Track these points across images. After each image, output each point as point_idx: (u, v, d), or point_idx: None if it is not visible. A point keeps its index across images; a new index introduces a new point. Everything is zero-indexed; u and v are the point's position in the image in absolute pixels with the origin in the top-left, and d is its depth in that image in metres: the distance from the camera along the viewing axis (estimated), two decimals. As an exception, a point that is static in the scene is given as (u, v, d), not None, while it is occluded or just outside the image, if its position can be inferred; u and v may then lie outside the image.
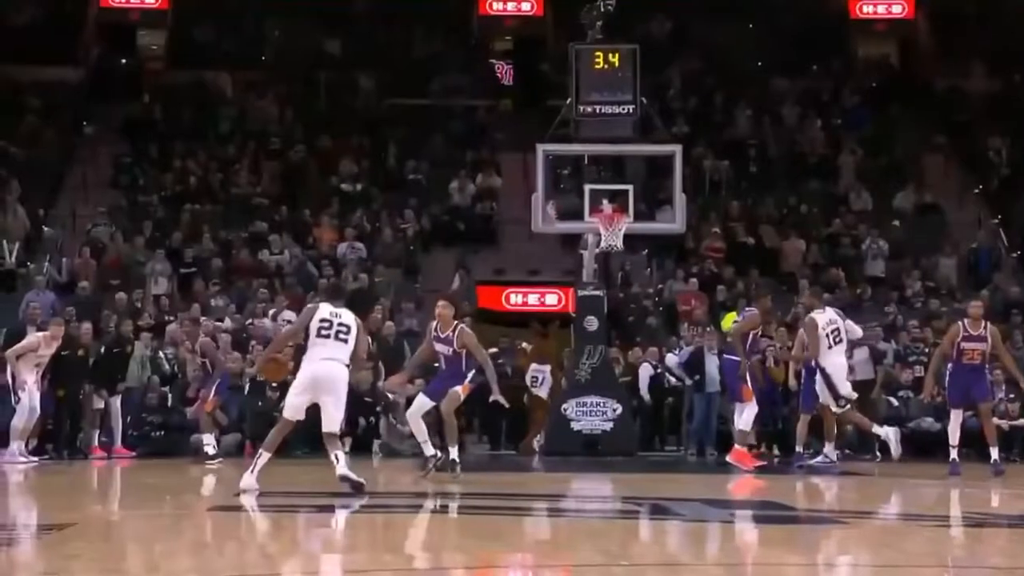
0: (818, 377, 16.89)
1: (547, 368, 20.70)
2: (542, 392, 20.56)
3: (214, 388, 18.32)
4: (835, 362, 16.95)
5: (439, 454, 15.25)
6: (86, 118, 30.58)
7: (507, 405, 16.98)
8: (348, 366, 12.76)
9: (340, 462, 12.55)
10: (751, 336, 17.42)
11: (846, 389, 16.93)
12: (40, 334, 18.13)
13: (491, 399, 15.56)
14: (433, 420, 15.81)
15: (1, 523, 11.34)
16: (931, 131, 30.67)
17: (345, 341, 12.72)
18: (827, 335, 16.89)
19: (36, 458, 17.92)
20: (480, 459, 19.91)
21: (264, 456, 12.82)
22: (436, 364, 15.84)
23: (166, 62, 33.48)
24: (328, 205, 26.98)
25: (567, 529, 11.34)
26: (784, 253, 25.97)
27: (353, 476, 12.57)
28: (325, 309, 12.90)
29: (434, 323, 15.37)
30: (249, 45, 33.30)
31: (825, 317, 17.00)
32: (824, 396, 16.90)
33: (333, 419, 12.65)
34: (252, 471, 12.72)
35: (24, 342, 18.08)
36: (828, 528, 11.11)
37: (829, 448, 17.21)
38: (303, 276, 24.15)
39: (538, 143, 20.85)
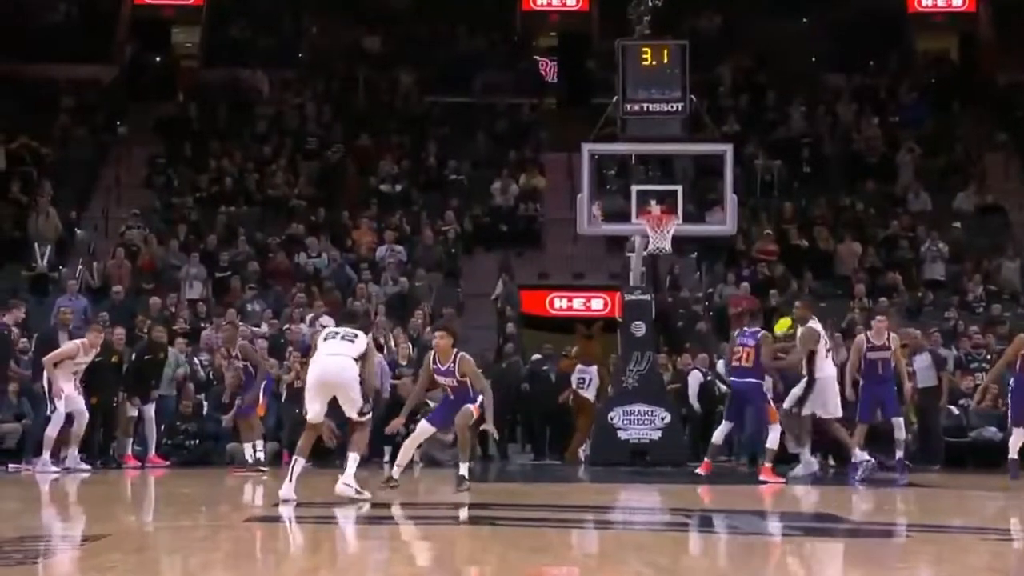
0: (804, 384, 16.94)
1: (593, 369, 20.70)
2: (589, 394, 20.57)
3: (261, 390, 18.30)
4: (829, 374, 17.00)
5: (395, 477, 15.14)
6: (119, 117, 30.80)
7: (496, 436, 17.14)
8: (357, 360, 13.05)
9: (347, 472, 13.10)
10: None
11: (834, 403, 17.00)
12: (78, 341, 18.10)
13: (481, 427, 15.56)
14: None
15: (35, 534, 11.41)
16: (993, 128, 30.50)
17: (352, 341, 13.15)
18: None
19: (87, 465, 18.01)
20: (524, 469, 19.90)
21: (299, 463, 13.02)
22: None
23: (201, 60, 33.70)
24: (367, 206, 27.06)
25: (614, 542, 11.31)
26: (839, 256, 25.85)
27: (353, 490, 13.08)
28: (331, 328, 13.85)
29: (432, 353, 15.04)
30: (286, 42, 33.47)
31: (818, 327, 17.02)
32: (814, 405, 16.95)
33: (350, 406, 13.11)
34: (290, 480, 12.88)
35: (62, 349, 18.03)
36: (886, 541, 11.04)
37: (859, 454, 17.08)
38: (341, 280, 24.24)
39: (583, 142, 20.84)
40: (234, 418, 18.45)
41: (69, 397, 17.65)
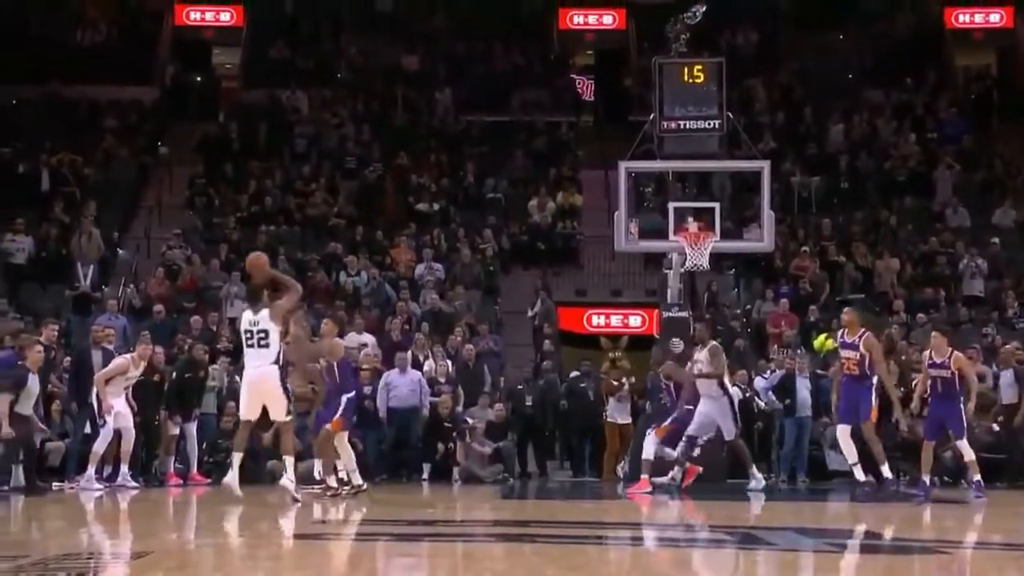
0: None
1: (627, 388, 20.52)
2: (618, 416, 20.37)
3: (340, 410, 18.26)
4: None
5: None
6: (161, 137, 30.97)
7: None
8: (275, 363, 14.47)
9: (287, 473, 14.56)
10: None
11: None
12: (128, 356, 18.11)
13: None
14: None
15: (76, 551, 11.47)
16: (1032, 144, 30.37)
17: (266, 347, 14.42)
18: None
19: (135, 483, 18.00)
20: (563, 486, 19.88)
21: (237, 456, 14.80)
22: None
23: (241, 80, 33.88)
24: (405, 225, 27.12)
25: (652, 559, 11.29)
26: (877, 272, 25.75)
27: (293, 487, 14.39)
28: (245, 318, 14.64)
29: None
30: (324, 62, 33.62)
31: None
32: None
33: (276, 411, 14.66)
34: (233, 470, 14.74)
35: (113, 365, 17.95)
36: (926, 558, 10.98)
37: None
38: (380, 298, 24.29)
39: (621, 160, 20.85)
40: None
41: (119, 414, 17.63)
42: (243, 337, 14.62)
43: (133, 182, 29.55)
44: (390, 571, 10.23)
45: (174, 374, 19.40)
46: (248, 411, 14.78)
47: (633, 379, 20.62)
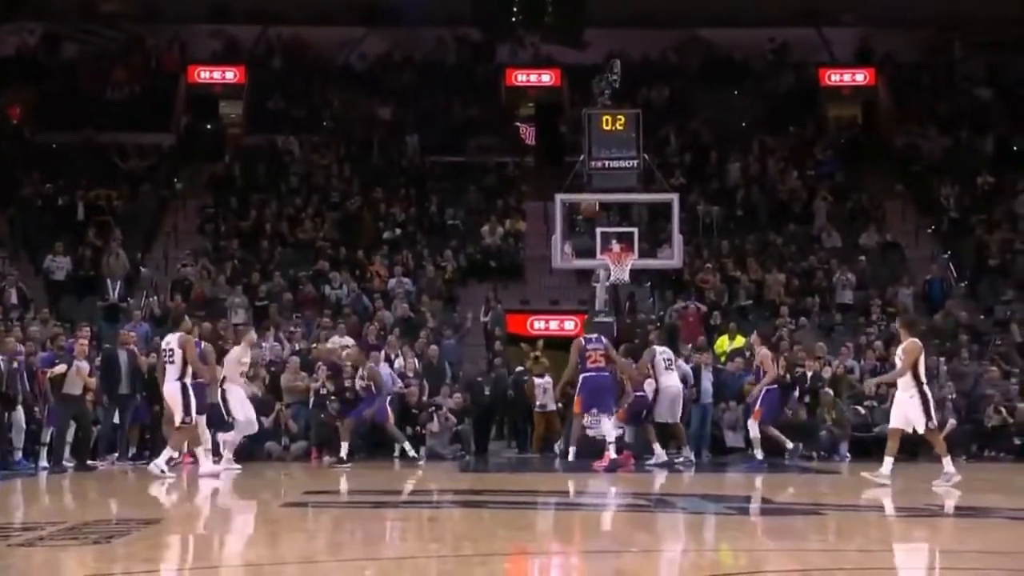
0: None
1: (548, 379, 20.33)
2: (548, 399, 20.15)
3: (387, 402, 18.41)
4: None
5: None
6: (177, 175, 30.74)
7: None
8: (179, 380, 14.84)
9: (162, 457, 14.89)
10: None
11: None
12: (237, 347, 16.84)
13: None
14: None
15: (107, 518, 11.35)
16: (891, 180, 30.59)
17: (173, 362, 14.88)
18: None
19: (237, 466, 16.72)
20: (510, 461, 19.85)
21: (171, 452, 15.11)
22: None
23: (244, 128, 33.66)
24: (380, 247, 26.99)
25: (585, 521, 11.28)
26: (767, 284, 25.84)
27: (159, 470, 14.66)
28: (164, 340, 15.18)
29: None
30: (314, 112, 33.46)
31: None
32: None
33: (176, 416, 14.99)
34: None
35: (230, 356, 16.56)
36: (806, 519, 11.02)
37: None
38: (359, 307, 24.14)
39: (557, 193, 20.83)
40: (372, 424, 18.40)
41: (241, 401, 16.48)
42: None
43: (154, 212, 29.26)
44: (368, 532, 10.17)
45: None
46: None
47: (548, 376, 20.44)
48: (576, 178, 20.92)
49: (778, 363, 17.94)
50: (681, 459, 18.01)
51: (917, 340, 13.61)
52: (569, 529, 10.48)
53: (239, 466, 16.60)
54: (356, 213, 28.48)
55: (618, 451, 17.03)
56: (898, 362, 13.67)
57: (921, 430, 13.51)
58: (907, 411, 13.51)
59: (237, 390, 16.44)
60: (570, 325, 25.24)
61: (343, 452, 17.87)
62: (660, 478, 16.02)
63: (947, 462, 13.37)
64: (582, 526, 10.80)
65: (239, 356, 16.56)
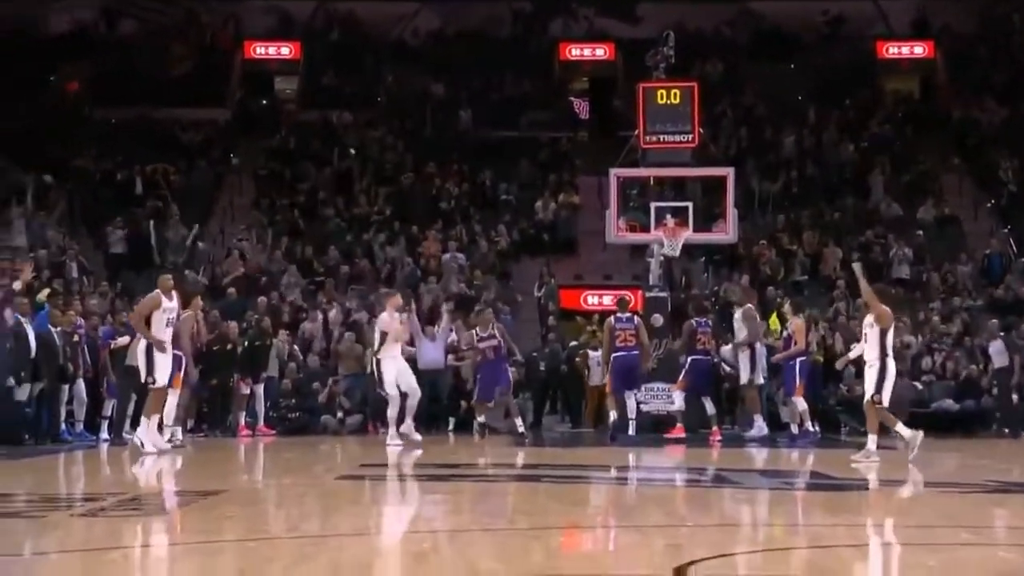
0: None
1: (598, 354, 20.29)
2: (597, 379, 20.12)
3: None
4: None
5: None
6: (233, 151, 30.91)
7: None
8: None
9: (140, 429, 14.21)
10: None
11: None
12: (384, 313, 15.98)
13: None
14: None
15: (166, 490, 11.48)
16: (948, 154, 30.20)
17: (171, 325, 14.31)
18: None
19: (417, 436, 15.94)
20: (564, 435, 19.87)
21: (155, 419, 14.34)
22: None
23: (298, 104, 33.77)
24: (434, 221, 27.03)
25: (639, 496, 11.26)
26: (823, 258, 25.61)
27: (139, 442, 14.00)
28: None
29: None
30: (367, 88, 33.49)
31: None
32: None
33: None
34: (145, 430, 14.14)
35: (377, 325, 15.94)
36: (861, 494, 10.94)
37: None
38: (412, 281, 24.20)
39: (611, 168, 20.77)
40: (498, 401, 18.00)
41: (398, 372, 15.69)
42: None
43: (210, 187, 29.47)
44: (424, 505, 10.21)
45: (245, 343, 19.32)
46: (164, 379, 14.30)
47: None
48: (630, 153, 20.85)
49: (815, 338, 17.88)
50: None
51: (888, 309, 13.49)
52: (623, 503, 10.46)
53: (419, 436, 15.93)
54: (409, 188, 28.52)
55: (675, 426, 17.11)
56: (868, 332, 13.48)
57: (866, 398, 13.42)
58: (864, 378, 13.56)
59: (390, 361, 15.66)
60: (628, 302, 25.11)
61: (519, 426, 17.52)
62: (716, 453, 15.95)
63: (872, 440, 13.28)
64: (636, 500, 10.78)
65: (386, 323, 15.72)
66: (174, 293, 14.45)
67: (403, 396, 15.70)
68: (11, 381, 15.55)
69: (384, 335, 15.62)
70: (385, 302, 16.31)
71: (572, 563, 7.01)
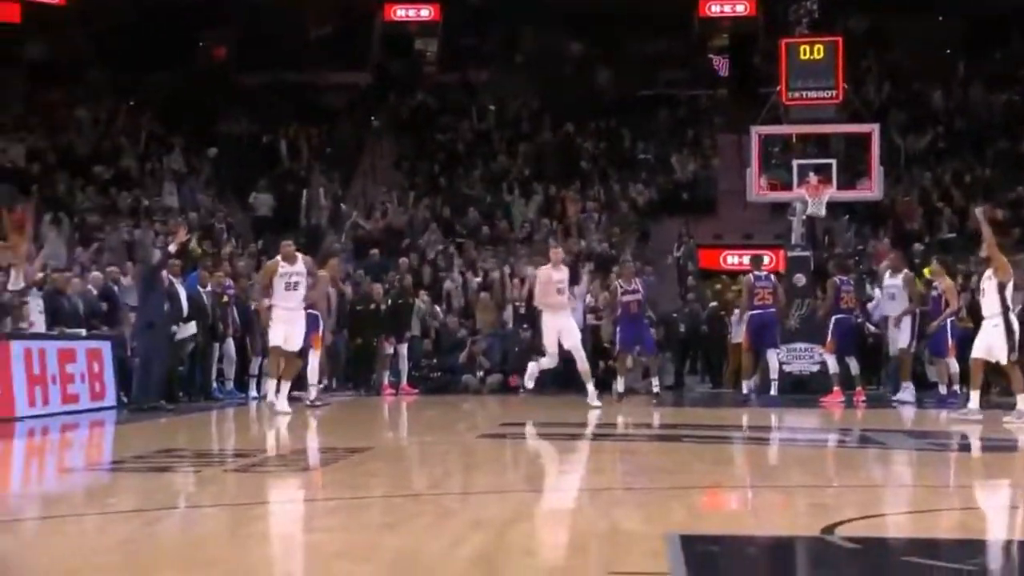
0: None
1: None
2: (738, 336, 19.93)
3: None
4: None
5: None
6: (373, 113, 31.27)
7: None
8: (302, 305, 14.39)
9: (271, 390, 14.18)
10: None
11: None
12: (545, 267, 15.45)
13: None
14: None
15: (314, 447, 11.75)
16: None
17: (295, 288, 14.25)
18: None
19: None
20: (704, 396, 19.77)
21: (285, 385, 14.25)
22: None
23: (438, 65, 33.99)
24: (572, 180, 27.02)
25: (782, 456, 11.17)
26: (971, 216, 24.86)
27: (276, 406, 14.01)
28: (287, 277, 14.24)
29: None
30: (506, 48, 33.54)
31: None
32: None
33: (289, 344, 14.24)
34: (277, 393, 14.12)
35: (539, 279, 15.45)
36: (1011, 455, 10.68)
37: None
38: (551, 240, 24.24)
39: (752, 126, 20.49)
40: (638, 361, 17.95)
41: (555, 330, 15.13)
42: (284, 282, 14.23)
43: (352, 149, 29.88)
44: (564, 463, 10.27)
45: (388, 302, 19.53)
46: (275, 339, 14.31)
47: None
48: (772, 110, 20.53)
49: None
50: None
51: (1006, 261, 13.19)
52: (765, 463, 10.39)
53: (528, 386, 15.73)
54: (548, 146, 28.53)
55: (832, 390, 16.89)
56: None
57: (1004, 361, 12.98)
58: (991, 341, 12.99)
59: (550, 316, 15.16)
60: (764, 260, 24.84)
61: (655, 386, 17.32)
62: (860, 413, 15.72)
63: (1021, 399, 12.75)
64: (779, 460, 10.69)
65: (548, 277, 15.18)
66: (299, 257, 14.63)
67: (561, 357, 15.27)
68: (175, 328, 16.00)
69: (540, 288, 15.27)
70: (553, 255, 15.59)
71: (715, 522, 7.00)
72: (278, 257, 14.68)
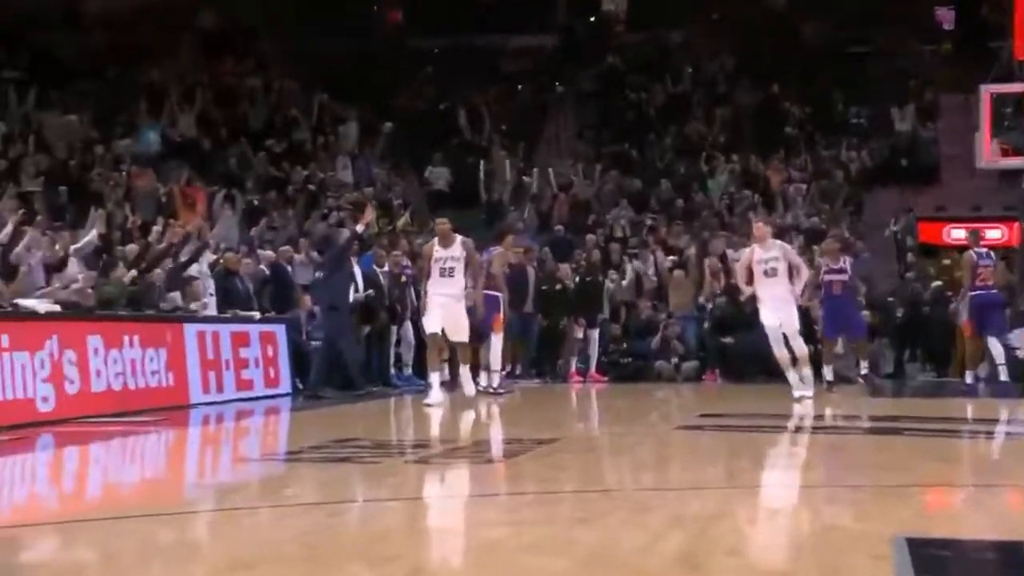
0: None
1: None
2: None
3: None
4: None
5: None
6: (558, 78, 31.35)
7: None
8: (462, 292, 14.22)
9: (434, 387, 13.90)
10: None
11: None
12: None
13: None
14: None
15: (500, 438, 11.89)
16: None
17: (452, 275, 14.05)
18: None
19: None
20: (926, 385, 19.31)
21: (436, 376, 14.02)
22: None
23: (627, 24, 33.86)
24: (775, 148, 26.64)
25: (1015, 451, 10.83)
26: None
27: (467, 388, 14.41)
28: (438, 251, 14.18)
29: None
30: (701, 4, 33.19)
31: None
32: None
33: (456, 333, 14.22)
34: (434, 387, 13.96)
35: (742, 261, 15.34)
36: None
37: None
38: (751, 213, 23.97)
39: (981, 84, 19.87)
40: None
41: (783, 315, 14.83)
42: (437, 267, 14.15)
43: (535, 118, 30.03)
44: (770, 458, 10.16)
45: (576, 280, 19.57)
46: (430, 325, 14.21)
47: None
48: (1003, 66, 19.88)
49: None
50: None
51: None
52: (995, 459, 10.10)
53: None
54: (747, 110, 28.19)
55: None
56: None
57: None
58: None
59: (768, 299, 14.73)
60: (995, 234, 24.06)
61: (864, 373, 17.10)
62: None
63: None
64: (1012, 456, 10.38)
65: (749, 253, 15.02)
66: (456, 238, 14.38)
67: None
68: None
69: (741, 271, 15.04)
70: (754, 231, 15.29)
71: (942, 523, 6.83)
72: (434, 239, 14.67)
